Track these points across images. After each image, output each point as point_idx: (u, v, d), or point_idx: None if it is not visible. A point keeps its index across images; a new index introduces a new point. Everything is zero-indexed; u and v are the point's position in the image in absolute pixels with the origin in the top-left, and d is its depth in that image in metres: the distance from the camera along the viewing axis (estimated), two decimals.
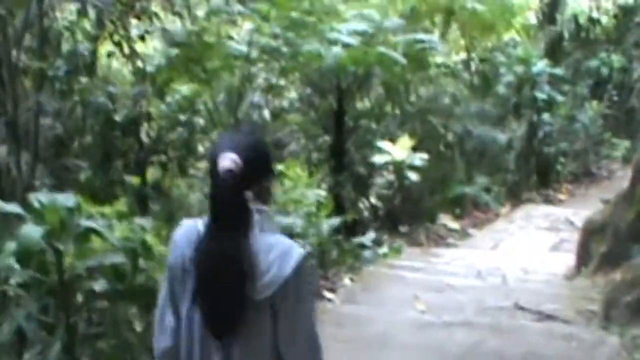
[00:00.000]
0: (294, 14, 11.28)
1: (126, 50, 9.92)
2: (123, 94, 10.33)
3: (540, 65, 13.14)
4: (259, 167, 2.97)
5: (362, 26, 11.64)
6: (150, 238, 4.73)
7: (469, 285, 8.15)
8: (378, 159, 11.60)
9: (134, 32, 9.99)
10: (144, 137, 10.41)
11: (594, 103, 13.65)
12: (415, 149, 11.61)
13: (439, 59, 14.01)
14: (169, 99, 10.77)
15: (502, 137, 13.28)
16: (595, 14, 17.38)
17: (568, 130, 13.43)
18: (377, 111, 13.13)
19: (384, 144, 11.65)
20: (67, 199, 4.55)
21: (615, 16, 17.36)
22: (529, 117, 13.34)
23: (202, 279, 2.93)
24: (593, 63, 15.29)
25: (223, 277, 2.90)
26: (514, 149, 13.47)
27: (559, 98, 13.16)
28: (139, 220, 4.98)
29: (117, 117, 9.98)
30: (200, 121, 11.48)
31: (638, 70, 15.54)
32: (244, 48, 10.71)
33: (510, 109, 13.64)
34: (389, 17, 12.86)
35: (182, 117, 10.72)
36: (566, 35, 16.64)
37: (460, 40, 16.27)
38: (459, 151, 13.44)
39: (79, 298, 4.68)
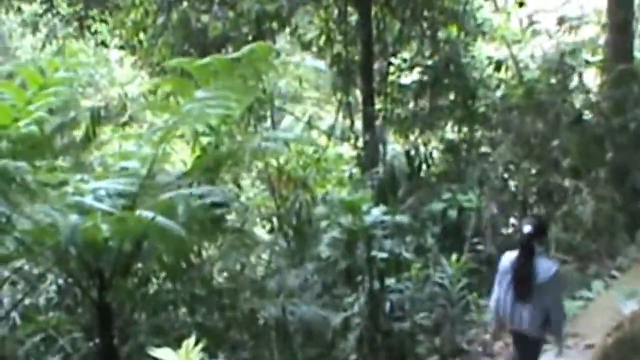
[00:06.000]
0: None
1: None
2: None
3: (375, 213, 9.53)
4: (539, 233, 7.40)
5: (121, 184, 8.37)
6: None
7: None
8: None
9: None
10: None
11: (453, 257, 10.08)
12: (207, 347, 7.92)
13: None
14: None
15: (334, 316, 9.68)
16: (422, 150, 14.69)
17: (422, 296, 9.78)
18: (155, 302, 9.38)
19: (164, 353, 7.90)
20: None
21: (449, 150, 14.63)
22: (368, 284, 9.65)
23: (516, 274, 7.29)
24: (436, 206, 12.02)
25: (524, 273, 7.23)
26: (352, 329, 9.85)
27: (406, 255, 9.56)
28: None
29: None
30: None
31: (490, 211, 12.48)
32: None
33: (340, 276, 10.01)
34: (163, 169, 9.51)
35: None
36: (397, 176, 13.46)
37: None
38: (279, 337, 10.05)
39: None
